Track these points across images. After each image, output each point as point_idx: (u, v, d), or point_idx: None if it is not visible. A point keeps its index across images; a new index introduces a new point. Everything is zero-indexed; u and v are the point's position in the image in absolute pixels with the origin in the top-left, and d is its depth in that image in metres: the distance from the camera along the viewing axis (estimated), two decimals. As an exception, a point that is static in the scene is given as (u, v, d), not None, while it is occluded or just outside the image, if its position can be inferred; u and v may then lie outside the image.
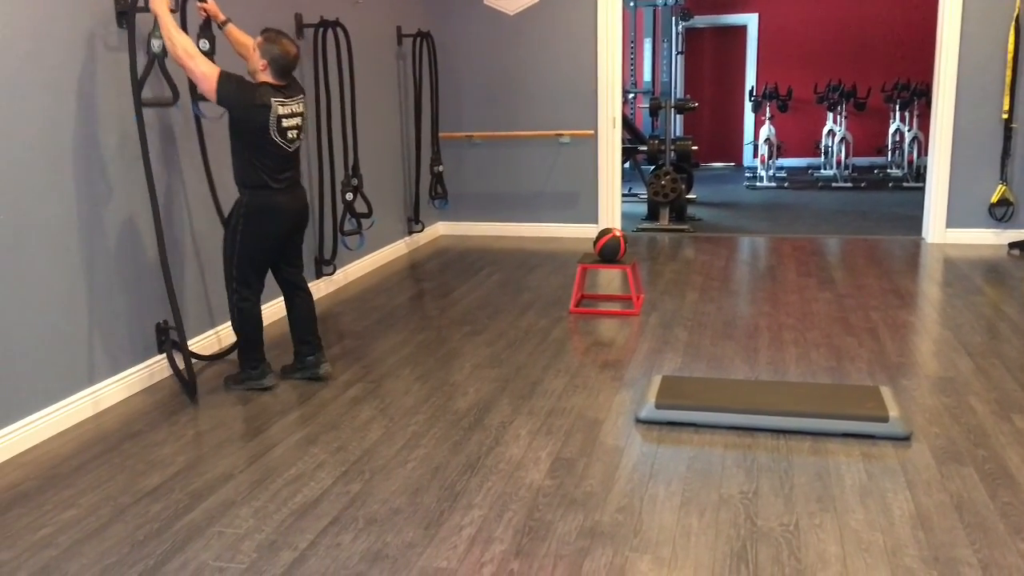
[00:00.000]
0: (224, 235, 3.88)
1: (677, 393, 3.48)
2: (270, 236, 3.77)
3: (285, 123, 3.65)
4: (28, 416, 3.35)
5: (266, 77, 3.62)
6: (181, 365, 3.87)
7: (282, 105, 3.63)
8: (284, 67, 3.64)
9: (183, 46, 3.51)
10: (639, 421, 3.41)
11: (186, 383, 3.79)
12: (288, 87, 3.69)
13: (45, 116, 3.39)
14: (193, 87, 3.95)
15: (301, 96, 3.77)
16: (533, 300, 5.31)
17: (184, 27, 3.89)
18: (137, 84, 3.67)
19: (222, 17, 3.84)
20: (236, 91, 3.55)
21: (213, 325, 4.42)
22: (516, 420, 3.46)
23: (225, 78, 3.54)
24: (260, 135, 3.60)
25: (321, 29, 5.30)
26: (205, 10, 3.84)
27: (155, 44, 3.72)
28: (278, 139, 3.64)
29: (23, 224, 3.30)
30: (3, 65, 3.21)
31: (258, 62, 3.61)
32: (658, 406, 3.39)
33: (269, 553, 2.54)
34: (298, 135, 3.74)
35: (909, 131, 9.79)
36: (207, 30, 3.91)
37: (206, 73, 3.52)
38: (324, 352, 4.03)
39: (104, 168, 3.68)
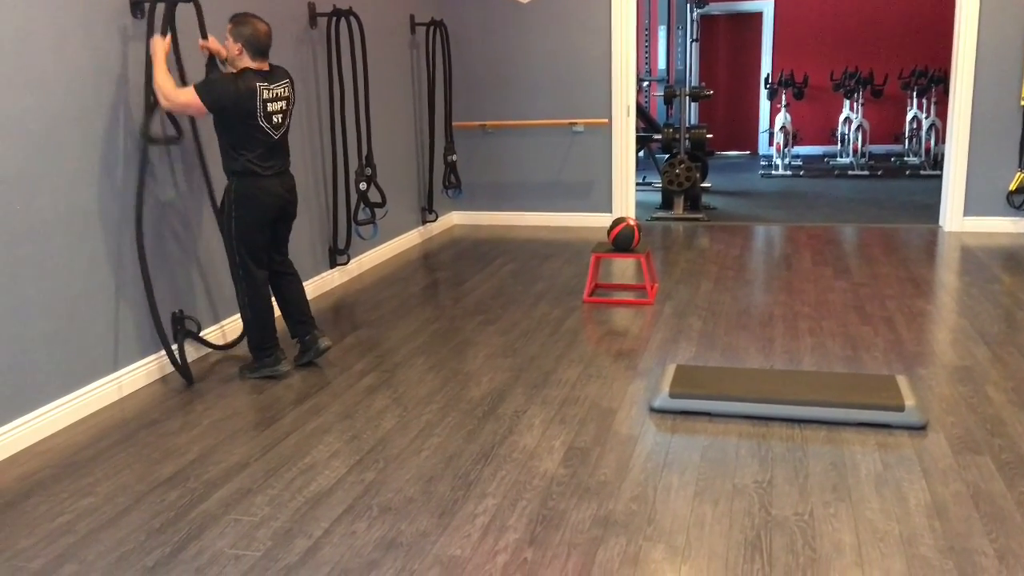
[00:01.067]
0: (220, 226, 3.91)
1: (691, 382, 3.47)
2: (262, 221, 3.78)
3: (270, 107, 3.67)
4: (45, 405, 3.37)
5: (246, 61, 3.63)
6: (191, 356, 3.89)
7: (267, 89, 3.64)
8: (259, 45, 3.63)
9: (162, 89, 3.56)
10: (653, 410, 3.40)
11: (180, 368, 3.85)
12: (272, 73, 3.71)
13: (64, 108, 3.41)
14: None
15: (286, 81, 3.78)
16: (547, 289, 5.30)
17: (181, 63, 3.90)
18: (146, 121, 3.75)
19: (224, 53, 3.80)
20: (220, 87, 3.57)
21: (218, 319, 4.42)
22: (530, 409, 3.46)
23: (203, 85, 3.58)
24: (247, 121, 3.61)
25: (334, 18, 5.30)
26: (208, 48, 3.84)
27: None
28: (264, 124, 3.65)
29: (45, 212, 3.32)
30: (21, 58, 3.23)
31: (233, 48, 3.62)
32: (672, 395, 3.38)
33: (284, 541, 2.55)
34: (283, 119, 3.75)
35: (927, 118, 9.70)
36: (213, 67, 3.91)
37: (187, 101, 3.56)
38: (319, 329, 4.06)
39: (123, 158, 3.70)
